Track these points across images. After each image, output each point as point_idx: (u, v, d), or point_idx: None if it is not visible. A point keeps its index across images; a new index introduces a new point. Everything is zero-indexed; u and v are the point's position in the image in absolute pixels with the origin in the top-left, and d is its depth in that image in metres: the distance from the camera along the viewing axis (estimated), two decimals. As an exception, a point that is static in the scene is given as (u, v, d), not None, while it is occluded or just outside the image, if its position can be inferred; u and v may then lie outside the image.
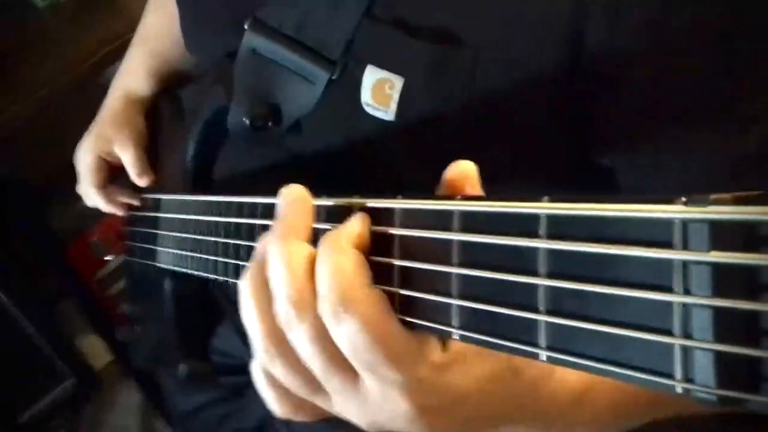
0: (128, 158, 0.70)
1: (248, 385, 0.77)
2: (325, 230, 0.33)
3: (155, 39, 0.77)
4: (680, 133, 0.41)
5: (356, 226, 0.32)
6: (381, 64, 0.46)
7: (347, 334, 0.30)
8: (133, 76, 0.76)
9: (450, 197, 0.29)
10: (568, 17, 0.41)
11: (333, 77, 0.49)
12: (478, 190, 0.32)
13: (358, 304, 0.30)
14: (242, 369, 0.75)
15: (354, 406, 0.33)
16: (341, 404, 0.34)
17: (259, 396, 0.80)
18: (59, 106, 1.07)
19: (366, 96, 0.47)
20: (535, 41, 0.42)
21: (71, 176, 0.76)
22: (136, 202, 0.74)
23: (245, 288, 0.34)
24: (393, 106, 0.46)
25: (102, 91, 0.78)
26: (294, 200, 0.34)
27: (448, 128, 0.46)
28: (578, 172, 0.48)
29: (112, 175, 0.74)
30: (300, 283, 0.31)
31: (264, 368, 0.35)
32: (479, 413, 0.34)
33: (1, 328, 1.24)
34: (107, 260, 1.18)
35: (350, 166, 0.51)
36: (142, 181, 0.70)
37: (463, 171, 0.32)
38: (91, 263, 1.27)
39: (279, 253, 0.32)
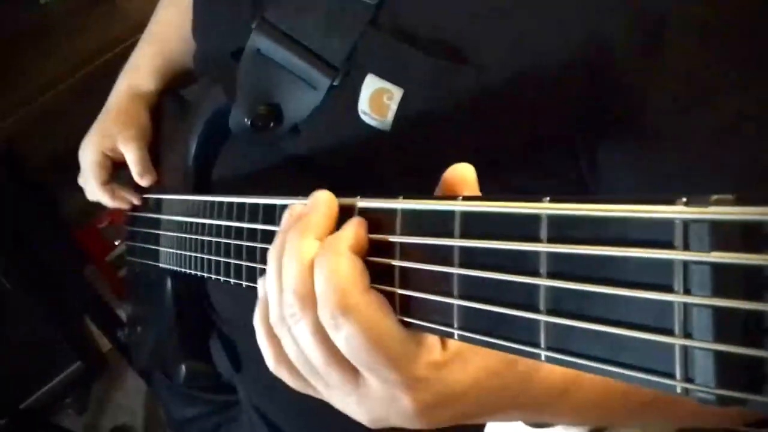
0: (131, 156, 0.70)
1: (236, 402, 0.77)
2: None
3: (163, 37, 0.78)
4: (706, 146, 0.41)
5: (354, 230, 0.33)
6: (381, 74, 0.46)
7: (345, 339, 0.31)
8: (139, 73, 0.76)
9: (451, 197, 0.29)
10: (581, 46, 0.41)
11: (335, 83, 0.49)
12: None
13: (355, 310, 0.31)
14: (230, 388, 0.75)
15: (353, 402, 0.34)
16: (340, 398, 0.35)
17: (246, 413, 0.79)
18: (66, 97, 1.07)
19: (363, 104, 0.47)
20: (544, 67, 0.42)
21: (78, 164, 0.76)
22: (137, 201, 0.74)
23: (270, 257, 0.35)
24: (390, 116, 0.46)
25: (109, 81, 0.78)
26: (320, 202, 0.35)
27: (444, 144, 0.46)
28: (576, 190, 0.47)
29: (116, 171, 0.74)
30: (308, 279, 0.32)
31: (265, 323, 0.36)
32: (477, 406, 0.35)
33: (9, 312, 1.25)
34: (116, 244, 1.23)
35: (344, 172, 0.51)
36: (144, 180, 0.70)
37: (462, 174, 0.32)
38: (102, 247, 1.32)
39: (294, 247, 0.33)
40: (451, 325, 0.29)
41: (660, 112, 0.41)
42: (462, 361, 0.33)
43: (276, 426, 0.68)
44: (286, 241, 0.34)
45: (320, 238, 0.33)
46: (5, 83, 1.11)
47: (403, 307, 0.31)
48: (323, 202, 0.35)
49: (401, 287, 0.31)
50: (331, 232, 0.34)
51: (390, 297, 0.32)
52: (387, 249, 0.32)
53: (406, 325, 0.32)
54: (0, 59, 1.12)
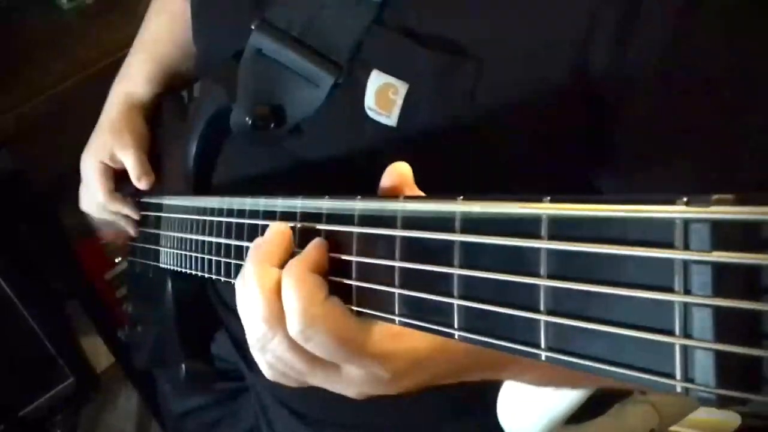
0: (129, 161, 0.70)
1: (241, 390, 0.77)
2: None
3: (154, 43, 0.77)
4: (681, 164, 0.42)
5: (309, 251, 0.36)
6: (386, 69, 0.47)
7: (317, 346, 0.35)
8: (131, 81, 0.75)
9: (451, 198, 0.29)
10: (574, 45, 0.42)
11: (338, 81, 0.49)
12: (416, 191, 0.35)
13: (318, 321, 0.34)
14: (236, 375, 0.75)
15: (342, 387, 0.39)
16: (330, 386, 0.39)
17: (251, 402, 0.79)
18: (76, 104, 1.07)
19: (370, 100, 0.47)
20: (540, 64, 0.43)
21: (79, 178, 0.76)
22: (136, 216, 0.74)
23: (237, 285, 0.38)
24: (396, 111, 0.46)
25: (107, 89, 0.77)
26: (274, 233, 0.38)
27: (449, 139, 0.47)
28: (577, 189, 0.48)
29: (118, 182, 0.74)
30: (271, 303, 0.36)
31: (252, 341, 0.39)
32: (445, 367, 0.39)
33: (7, 324, 1.24)
34: (117, 262, 1.21)
35: (350, 170, 0.51)
36: (142, 183, 0.70)
37: (401, 172, 0.36)
38: (102, 264, 1.30)
39: (253, 275, 0.36)
40: (452, 326, 0.29)
41: (640, 111, 0.42)
42: (413, 331, 0.35)
43: (299, 412, 0.68)
44: (247, 272, 0.37)
45: (279, 263, 0.37)
46: (11, 88, 1.10)
47: (403, 307, 0.32)
48: (276, 232, 0.38)
49: (402, 287, 0.32)
50: (291, 255, 0.37)
51: (390, 297, 0.32)
52: (389, 248, 0.32)
53: (410, 326, 0.32)
54: (12, 63, 1.11)
